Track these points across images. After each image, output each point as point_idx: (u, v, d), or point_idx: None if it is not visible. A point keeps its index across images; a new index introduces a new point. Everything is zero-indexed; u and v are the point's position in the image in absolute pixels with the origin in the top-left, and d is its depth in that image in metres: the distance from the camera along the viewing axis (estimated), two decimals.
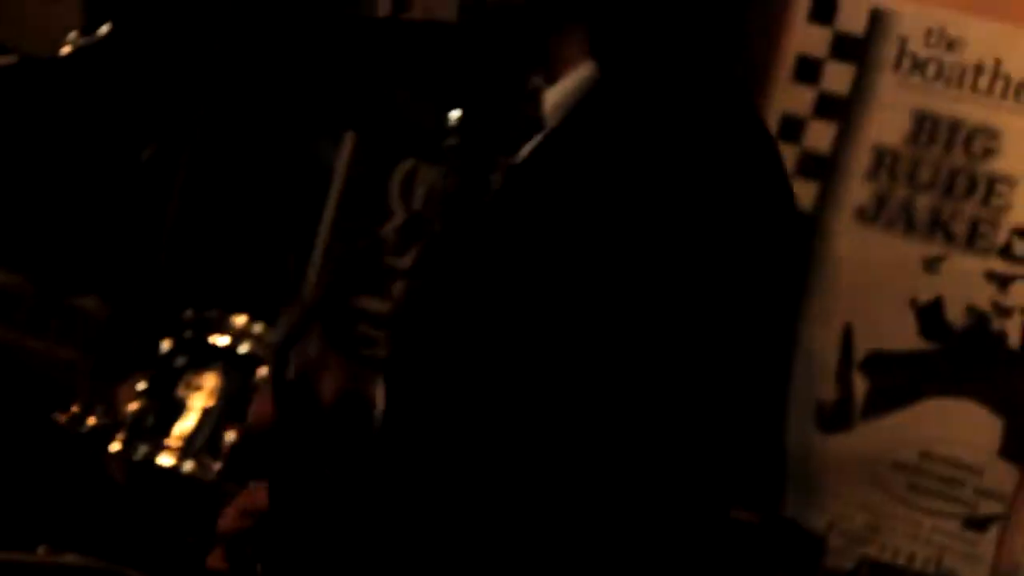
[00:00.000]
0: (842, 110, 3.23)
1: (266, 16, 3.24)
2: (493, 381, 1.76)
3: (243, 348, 2.54)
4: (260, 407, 1.86)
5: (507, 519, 1.73)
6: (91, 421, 2.56)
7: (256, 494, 1.97)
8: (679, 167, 1.77)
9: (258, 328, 2.54)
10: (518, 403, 1.74)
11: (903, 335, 3.19)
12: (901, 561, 3.17)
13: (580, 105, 1.89)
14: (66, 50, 2.21)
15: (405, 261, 3.54)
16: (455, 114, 2.14)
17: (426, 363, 1.82)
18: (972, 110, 3.16)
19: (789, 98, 3.26)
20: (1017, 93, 3.13)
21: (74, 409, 2.58)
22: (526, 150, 1.96)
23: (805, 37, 3.25)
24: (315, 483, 1.84)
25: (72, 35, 2.18)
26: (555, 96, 1.93)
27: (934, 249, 3.18)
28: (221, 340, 2.55)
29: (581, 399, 1.74)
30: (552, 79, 1.95)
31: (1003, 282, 3.14)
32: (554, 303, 1.74)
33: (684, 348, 1.76)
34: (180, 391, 2.54)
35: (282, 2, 3.24)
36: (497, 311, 1.78)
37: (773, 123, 3.27)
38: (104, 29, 2.19)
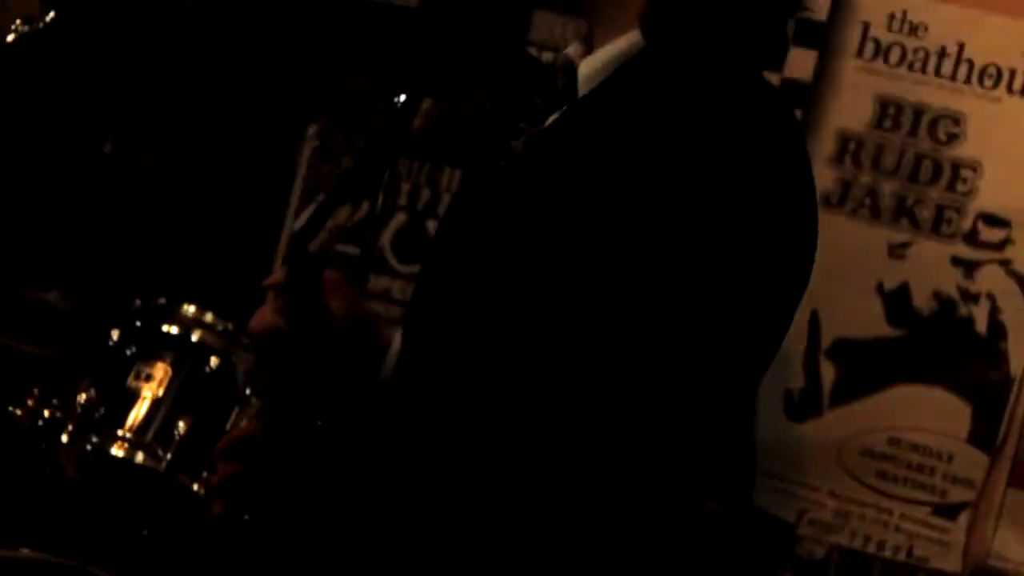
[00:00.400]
0: (806, 96, 3.21)
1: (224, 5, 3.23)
2: (501, 344, 1.76)
3: (194, 337, 2.51)
4: (264, 312, 1.79)
5: (500, 495, 1.73)
6: (47, 414, 2.54)
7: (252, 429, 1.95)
8: (706, 149, 1.75)
9: (208, 317, 2.51)
10: (520, 367, 1.74)
11: (870, 321, 3.17)
12: (871, 549, 3.15)
13: (616, 76, 1.87)
14: (10, 38, 2.19)
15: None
16: (401, 99, 2.12)
17: (444, 319, 1.81)
18: (936, 95, 3.14)
19: None
20: (981, 78, 3.11)
21: (30, 403, 2.56)
22: (551, 119, 1.94)
23: None
24: (309, 432, 1.81)
25: (17, 22, 2.16)
26: (589, 66, 1.91)
27: (900, 235, 3.16)
28: (172, 329, 2.53)
29: (578, 366, 1.73)
30: (588, 50, 1.93)
31: (969, 267, 3.12)
32: (557, 277, 1.74)
33: (686, 328, 1.74)
34: (130, 381, 2.51)
35: None
36: (509, 277, 1.78)
37: None
38: (49, 16, 2.17)
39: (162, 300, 2.54)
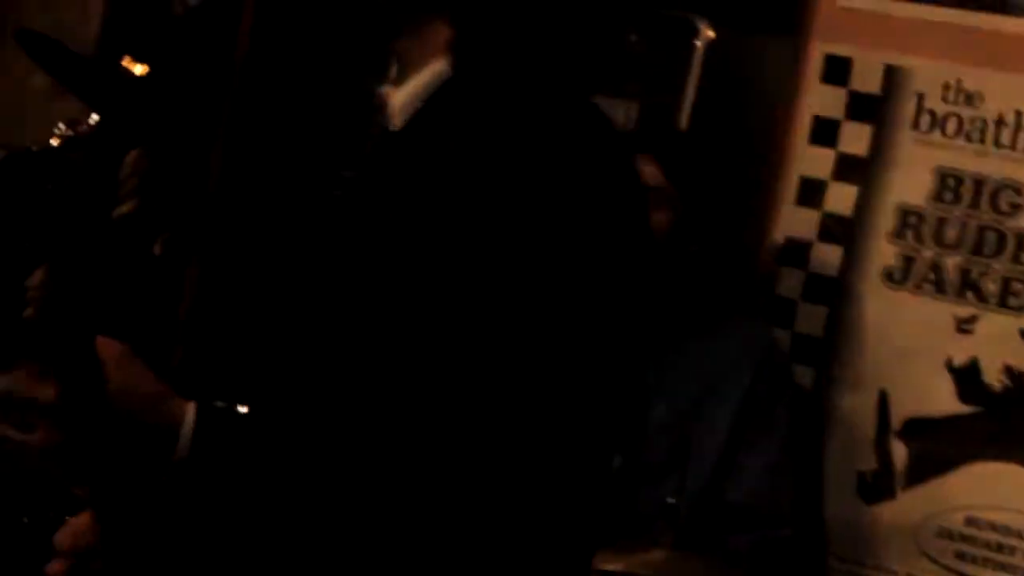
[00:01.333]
0: (863, 171, 3.16)
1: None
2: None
3: None
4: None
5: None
6: None
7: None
8: (522, 167, 1.71)
9: None
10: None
11: (941, 399, 3.10)
12: None
13: (428, 104, 1.84)
14: (55, 141, 2.17)
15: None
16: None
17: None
18: (996, 165, 3.08)
19: (808, 161, 3.20)
20: None
21: None
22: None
23: (820, 98, 3.20)
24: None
25: (60, 126, 2.14)
26: (401, 97, 1.88)
27: (966, 309, 3.09)
28: None
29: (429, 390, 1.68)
30: (399, 81, 1.91)
31: None
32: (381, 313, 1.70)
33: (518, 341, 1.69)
34: None
35: None
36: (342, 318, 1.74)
37: (793, 187, 3.21)
38: (93, 118, 2.15)
39: None
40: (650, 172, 2.89)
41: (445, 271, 1.69)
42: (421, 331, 1.69)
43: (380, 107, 1.93)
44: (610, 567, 2.47)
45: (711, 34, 3.30)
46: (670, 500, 2.58)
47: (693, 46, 3.32)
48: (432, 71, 1.86)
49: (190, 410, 1.73)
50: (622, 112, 3.37)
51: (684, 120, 3.32)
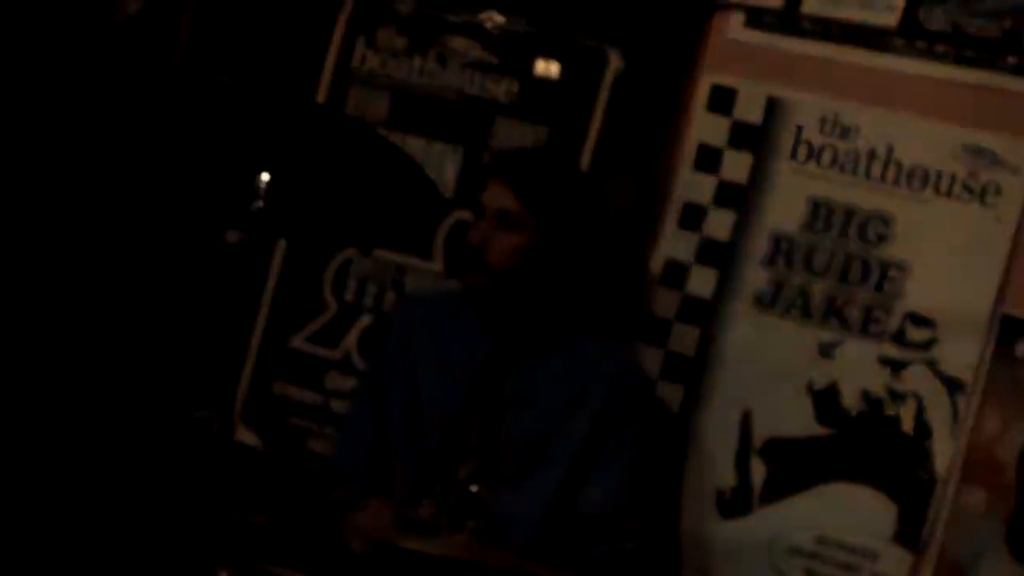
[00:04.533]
0: (742, 198, 3.27)
1: None
2: None
3: None
4: None
5: None
6: None
7: None
8: None
9: None
10: None
11: (800, 421, 3.18)
12: None
13: None
14: None
15: (337, 352, 3.61)
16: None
17: None
18: (866, 196, 3.19)
19: (691, 187, 3.31)
20: (909, 180, 3.15)
21: None
22: None
23: (705, 126, 3.31)
24: None
25: None
26: None
27: (829, 335, 3.19)
28: None
29: None
30: None
31: (896, 367, 3.13)
32: None
33: None
34: None
35: None
36: None
37: (676, 211, 3.32)
38: None
39: None
40: (506, 198, 3.00)
41: None
42: None
43: None
44: (412, 547, 2.56)
45: (621, 63, 3.43)
46: (473, 488, 2.65)
47: (603, 74, 3.46)
48: None
49: None
50: (531, 136, 3.51)
51: (590, 145, 3.44)
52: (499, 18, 3.57)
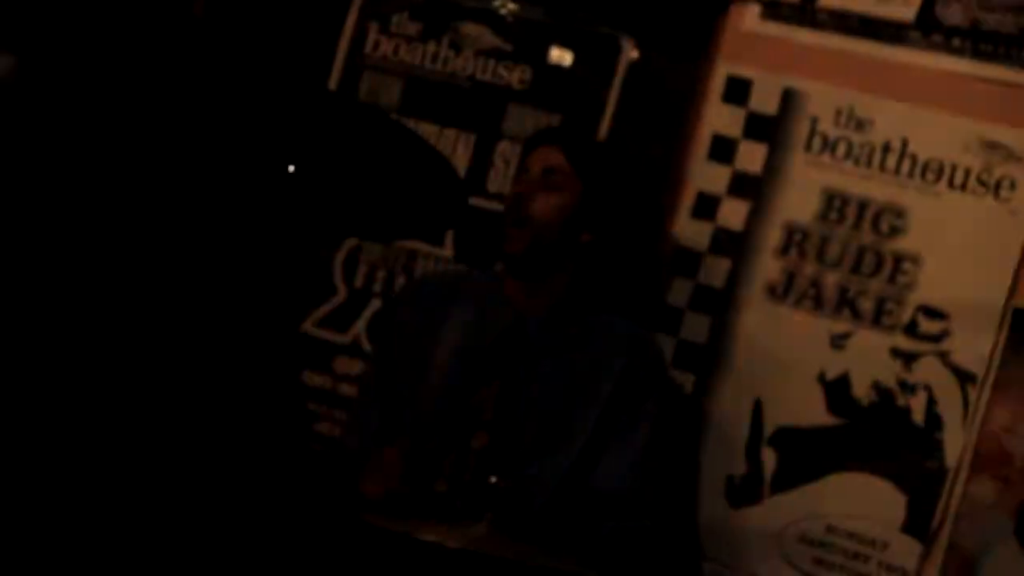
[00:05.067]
0: (756, 188, 3.29)
1: None
2: None
3: None
4: None
5: None
6: None
7: None
8: None
9: None
10: None
11: (811, 410, 3.21)
12: None
13: None
14: None
15: (347, 337, 3.62)
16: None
17: None
18: (880, 189, 3.21)
19: (705, 177, 3.33)
20: (923, 172, 3.18)
21: None
22: None
23: (720, 117, 3.33)
24: None
25: None
26: None
27: (842, 325, 3.21)
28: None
29: None
30: None
31: (908, 359, 3.15)
32: None
33: None
34: None
35: None
36: None
37: (690, 201, 3.34)
38: None
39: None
40: (554, 157, 3.03)
41: None
42: None
43: None
44: (428, 538, 2.56)
45: (635, 53, 3.45)
46: (493, 479, 2.67)
47: (617, 63, 3.47)
48: None
49: None
50: (544, 123, 3.52)
51: (603, 132, 3.46)
52: (513, 5, 3.58)
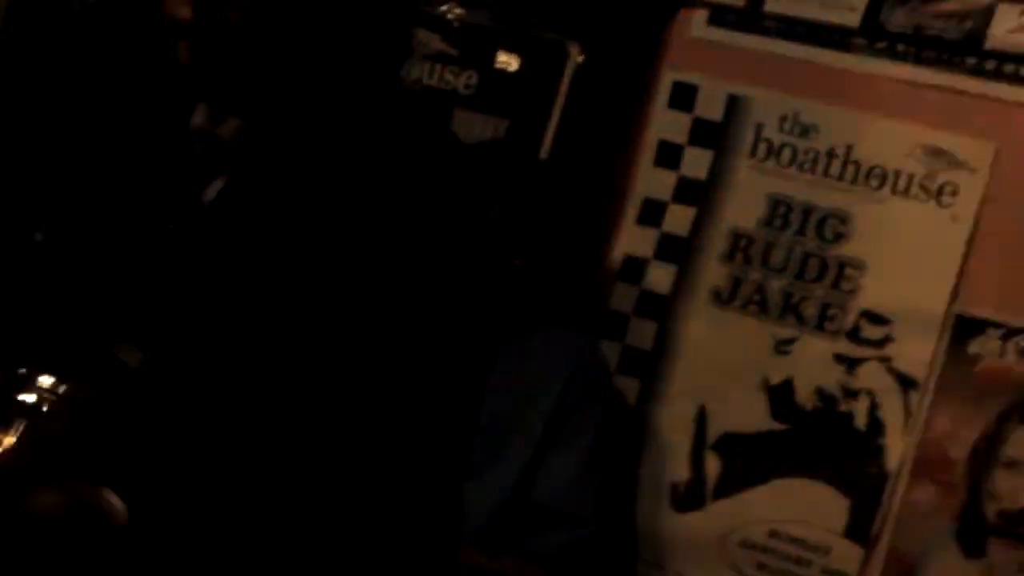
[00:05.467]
0: (702, 194, 3.30)
1: None
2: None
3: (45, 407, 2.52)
4: None
5: None
6: None
7: None
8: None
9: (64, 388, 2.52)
10: None
11: (755, 416, 3.21)
12: None
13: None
14: None
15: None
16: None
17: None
18: (824, 195, 3.22)
19: (651, 182, 3.34)
20: (868, 179, 3.19)
21: None
22: (213, 190, 1.95)
23: (665, 123, 3.34)
24: None
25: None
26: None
27: (786, 331, 3.21)
28: (28, 398, 2.54)
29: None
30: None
31: (851, 364, 3.16)
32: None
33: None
34: None
35: None
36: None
37: (635, 207, 3.34)
38: None
39: (23, 370, 2.55)
40: None
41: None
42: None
43: (197, 133, 2.00)
44: None
45: (581, 58, 3.45)
46: None
47: (563, 68, 3.47)
48: None
49: None
50: (491, 129, 3.52)
51: (549, 138, 3.46)
52: (460, 10, 3.58)
